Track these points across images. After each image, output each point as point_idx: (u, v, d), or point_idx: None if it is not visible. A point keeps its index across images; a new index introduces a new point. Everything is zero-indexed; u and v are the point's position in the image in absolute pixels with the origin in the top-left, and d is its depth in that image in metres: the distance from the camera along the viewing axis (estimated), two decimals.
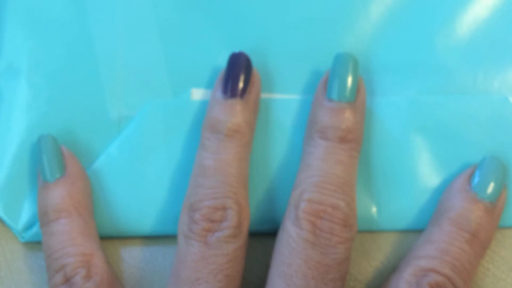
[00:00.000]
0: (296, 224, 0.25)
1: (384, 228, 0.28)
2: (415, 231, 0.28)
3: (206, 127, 0.27)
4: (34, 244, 0.29)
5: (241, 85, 0.27)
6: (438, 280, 0.24)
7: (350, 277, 0.28)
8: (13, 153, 0.28)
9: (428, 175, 0.28)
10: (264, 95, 0.28)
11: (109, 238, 0.28)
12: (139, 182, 0.28)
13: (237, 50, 0.28)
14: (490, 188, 0.26)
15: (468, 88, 0.28)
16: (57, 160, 0.27)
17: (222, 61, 0.29)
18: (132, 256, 0.28)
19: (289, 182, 0.27)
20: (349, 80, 0.27)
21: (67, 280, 0.26)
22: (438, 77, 0.28)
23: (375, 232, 0.28)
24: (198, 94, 0.29)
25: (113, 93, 0.29)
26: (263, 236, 0.28)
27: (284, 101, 0.28)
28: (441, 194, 0.27)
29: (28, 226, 0.28)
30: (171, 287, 0.25)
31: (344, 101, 0.26)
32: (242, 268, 0.26)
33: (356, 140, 0.26)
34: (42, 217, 0.27)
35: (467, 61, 0.28)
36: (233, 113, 0.26)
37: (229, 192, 0.25)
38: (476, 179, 0.26)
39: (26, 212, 0.28)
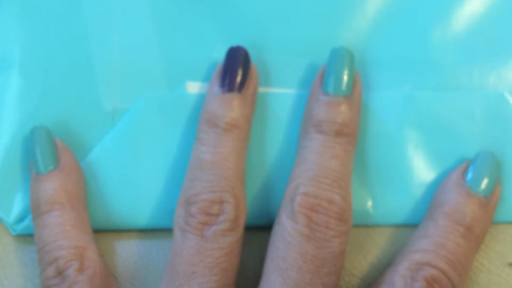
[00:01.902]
0: (292, 217, 0.25)
1: (379, 223, 0.28)
2: (410, 226, 0.28)
3: (204, 121, 0.27)
4: (26, 237, 0.28)
5: (239, 79, 0.27)
6: (433, 274, 0.25)
7: (345, 271, 0.28)
8: (5, 145, 0.28)
9: (423, 170, 0.28)
10: (260, 89, 0.28)
11: (103, 231, 0.28)
12: (133, 175, 0.28)
13: (233, 43, 0.28)
14: (484, 183, 0.26)
15: (463, 84, 0.28)
16: (50, 151, 0.27)
17: (218, 54, 0.28)
18: (126, 250, 0.28)
19: (285, 176, 0.27)
20: (345, 74, 0.27)
21: (60, 273, 0.26)
22: (434, 73, 0.28)
23: (370, 227, 0.28)
24: (193, 87, 0.28)
25: (107, 85, 0.29)
26: (258, 230, 0.28)
27: (280, 95, 0.28)
28: (436, 189, 0.27)
29: (20, 219, 0.28)
30: (167, 281, 0.25)
31: (340, 95, 0.26)
32: (238, 261, 0.26)
33: (352, 134, 0.26)
34: (35, 209, 0.27)
35: (463, 56, 0.28)
36: (231, 107, 0.26)
37: (226, 186, 0.25)
38: (470, 174, 0.26)
39: (18, 205, 0.28)
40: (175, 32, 0.29)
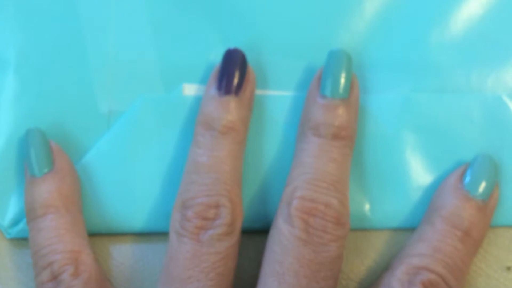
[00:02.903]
0: (288, 221, 0.25)
1: (377, 226, 0.28)
2: (408, 229, 0.27)
3: (200, 123, 0.26)
4: (21, 241, 0.28)
5: (236, 82, 0.27)
6: (430, 278, 0.25)
7: (342, 275, 0.28)
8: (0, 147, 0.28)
9: (421, 173, 0.28)
10: (257, 92, 0.28)
11: (98, 235, 0.28)
12: (129, 178, 0.28)
13: (231, 45, 0.27)
14: (482, 186, 0.26)
15: (461, 86, 0.28)
16: (45, 154, 0.27)
17: (215, 57, 0.28)
18: (121, 254, 0.28)
19: (282, 179, 0.27)
20: (343, 77, 0.26)
21: (54, 277, 0.25)
22: (432, 75, 0.28)
23: (367, 230, 0.28)
24: (190, 89, 0.28)
25: (103, 87, 0.28)
26: (255, 233, 0.28)
27: (278, 97, 0.28)
28: (433, 192, 0.27)
29: (15, 222, 0.28)
30: (162, 285, 0.25)
31: (338, 97, 0.26)
32: (234, 266, 0.26)
33: (349, 137, 0.26)
34: (29, 213, 0.26)
35: (461, 59, 0.28)
36: (228, 110, 0.26)
37: (222, 190, 0.25)
38: (468, 178, 0.26)
39: (12, 208, 0.28)
40: (172, 34, 0.29)
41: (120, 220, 0.28)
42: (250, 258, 0.28)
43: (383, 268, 0.27)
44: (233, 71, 0.27)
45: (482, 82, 0.28)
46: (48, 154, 0.27)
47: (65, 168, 0.27)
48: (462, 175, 0.27)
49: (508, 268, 0.28)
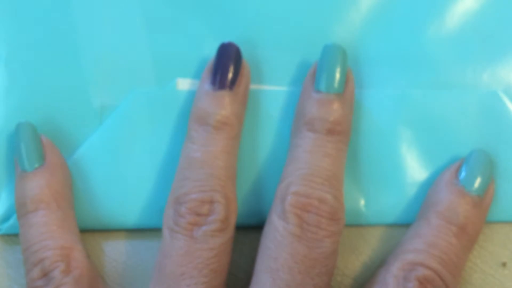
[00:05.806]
0: (283, 217, 0.25)
1: (372, 222, 0.28)
2: (403, 225, 0.27)
3: (194, 118, 0.26)
4: (11, 237, 0.28)
5: (230, 76, 0.26)
6: (426, 274, 0.24)
7: (337, 272, 0.28)
8: None
9: (417, 168, 0.28)
10: (251, 86, 0.28)
11: (90, 231, 0.28)
12: (122, 174, 0.28)
13: (225, 39, 0.27)
14: (477, 182, 0.26)
15: (457, 82, 0.28)
16: (36, 148, 0.27)
17: (209, 51, 0.28)
18: (114, 250, 0.28)
19: (276, 175, 0.27)
20: (338, 71, 0.26)
21: (45, 274, 0.25)
22: (427, 71, 0.28)
23: (362, 226, 0.28)
24: (184, 84, 0.28)
25: (95, 81, 0.28)
26: (249, 229, 0.27)
27: (272, 92, 0.28)
28: (429, 188, 0.27)
29: (5, 218, 0.28)
30: (155, 282, 0.25)
31: (332, 92, 0.26)
32: (228, 262, 0.25)
33: (344, 133, 0.26)
34: (20, 208, 0.26)
35: (457, 54, 0.28)
36: (222, 105, 0.26)
37: (216, 185, 0.25)
38: (463, 173, 0.26)
39: (2, 203, 0.28)
40: (165, 27, 0.28)
41: (113, 216, 0.27)
42: (244, 254, 0.28)
43: (378, 264, 0.27)
44: (227, 66, 0.26)
45: (477, 78, 0.28)
46: (39, 148, 0.27)
47: (57, 163, 0.27)
48: (458, 171, 0.27)
49: (504, 264, 0.28)
